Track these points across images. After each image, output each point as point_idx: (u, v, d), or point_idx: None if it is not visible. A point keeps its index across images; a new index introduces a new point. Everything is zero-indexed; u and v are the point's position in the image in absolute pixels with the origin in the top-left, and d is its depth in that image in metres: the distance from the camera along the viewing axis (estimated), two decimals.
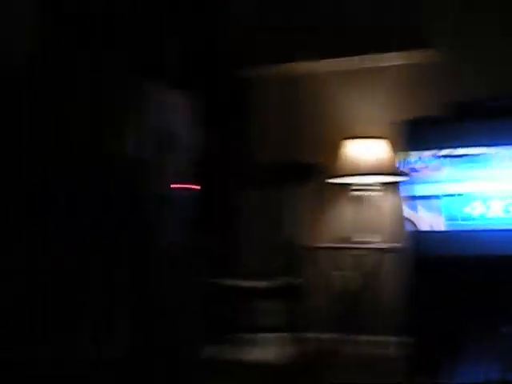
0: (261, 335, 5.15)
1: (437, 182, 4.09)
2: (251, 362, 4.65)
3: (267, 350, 5.02)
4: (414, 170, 4.13)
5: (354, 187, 4.68)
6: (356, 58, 4.79)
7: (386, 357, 4.59)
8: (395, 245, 4.49)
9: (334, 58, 4.84)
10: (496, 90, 4.26)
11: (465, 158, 4.04)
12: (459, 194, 4.04)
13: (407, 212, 4.12)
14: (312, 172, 4.57)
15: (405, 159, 4.14)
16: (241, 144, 5.23)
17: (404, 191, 4.16)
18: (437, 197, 4.08)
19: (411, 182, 4.12)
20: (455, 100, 4.16)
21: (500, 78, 4.51)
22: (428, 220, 4.08)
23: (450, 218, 4.04)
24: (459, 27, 4.66)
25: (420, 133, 4.13)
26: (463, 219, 4.02)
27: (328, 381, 4.07)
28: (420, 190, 4.11)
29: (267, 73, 5.20)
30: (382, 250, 4.44)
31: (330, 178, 4.74)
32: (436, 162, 4.10)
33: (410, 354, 4.12)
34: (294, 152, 5.00)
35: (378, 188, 4.81)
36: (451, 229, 4.03)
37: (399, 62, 4.83)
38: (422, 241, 4.05)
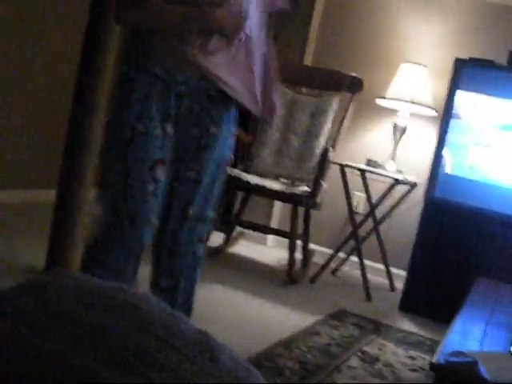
0: (271, 236, 5.35)
1: (471, 129, 4.15)
2: (256, 260, 4.86)
3: (274, 251, 5.23)
4: (455, 110, 4.18)
5: (398, 114, 4.72)
6: None
7: (381, 285, 4.76)
8: (418, 181, 4.58)
9: None
10: None
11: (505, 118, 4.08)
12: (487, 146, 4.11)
13: (436, 151, 4.20)
14: (360, 87, 4.64)
15: (453, 97, 4.19)
16: (298, 43, 5.28)
17: (442, 130, 4.22)
18: (466, 145, 4.16)
19: (450, 122, 4.19)
20: None
21: None
22: (451, 164, 4.17)
23: (471, 168, 4.13)
24: None
25: (474, 74, 4.16)
26: (483, 172, 4.11)
27: (321, 295, 4.26)
28: (454, 133, 4.18)
29: None
30: (405, 183, 4.53)
31: (379, 98, 4.81)
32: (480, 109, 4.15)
33: (403, 286, 4.30)
34: (347, 65, 5.04)
35: (422, 120, 4.86)
36: (473, 178, 4.13)
37: None
38: (442, 182, 4.16)
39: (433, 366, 1.76)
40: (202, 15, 2.29)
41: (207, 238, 2.56)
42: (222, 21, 2.29)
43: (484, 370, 1.66)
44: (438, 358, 1.78)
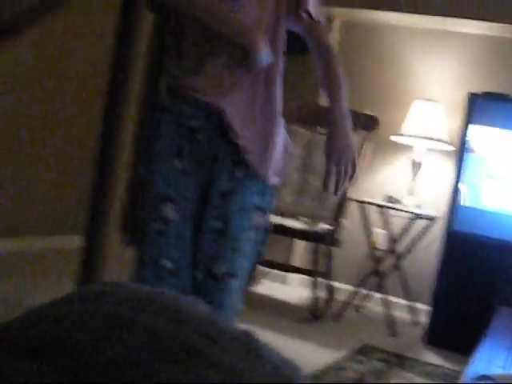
0: (293, 275, 5.38)
1: (486, 162, 4.21)
2: (278, 299, 4.89)
3: (297, 290, 5.26)
4: (471, 143, 4.24)
5: (414, 149, 4.78)
6: (440, 18, 4.83)
7: (405, 320, 4.77)
8: (437, 214, 4.62)
9: (419, 14, 4.87)
10: None
11: None
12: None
13: (454, 185, 4.25)
14: (376, 125, 4.70)
15: (467, 132, 4.25)
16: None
17: (459, 163, 4.28)
18: (482, 178, 4.21)
19: (466, 155, 4.24)
20: None
21: None
22: (468, 197, 4.22)
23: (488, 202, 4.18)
24: None
25: (487, 108, 4.23)
26: (500, 204, 4.15)
27: (345, 332, 4.27)
28: (470, 167, 4.23)
29: (347, 16, 5.28)
30: (425, 217, 4.57)
31: (393, 135, 4.88)
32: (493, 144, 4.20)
33: (427, 321, 4.31)
34: (361, 103, 5.11)
35: (437, 154, 4.92)
36: (490, 210, 4.17)
37: (481, 32, 4.87)
38: (461, 215, 4.20)
39: None
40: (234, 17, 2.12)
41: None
42: (250, 32, 2.12)
43: None
44: (463, 381, 1.82)
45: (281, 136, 2.25)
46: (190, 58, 2.18)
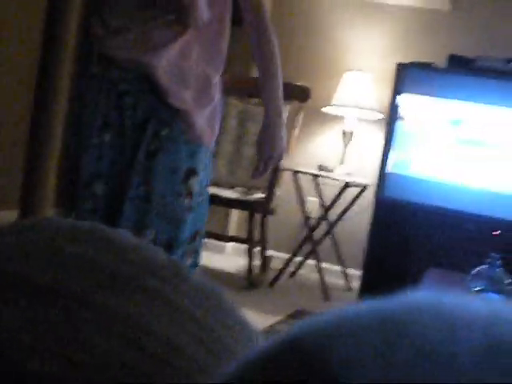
0: (228, 244, 5.43)
1: (415, 130, 4.31)
2: (214, 268, 4.94)
3: (232, 259, 5.31)
4: (400, 112, 4.33)
5: (345, 119, 4.86)
6: None
7: (338, 286, 4.87)
8: (369, 182, 4.71)
9: None
10: (499, 50, 4.43)
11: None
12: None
13: (383, 153, 4.35)
14: (307, 96, 4.75)
15: (396, 101, 4.33)
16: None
17: (388, 131, 4.37)
18: (411, 146, 4.32)
19: (396, 124, 4.33)
20: (455, 53, 4.35)
21: (504, 39, 4.67)
22: (398, 164, 4.32)
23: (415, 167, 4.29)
24: None
25: (415, 77, 4.32)
26: (428, 170, 4.27)
27: (280, 298, 4.35)
28: (399, 135, 4.33)
29: None
30: (355, 185, 4.66)
31: (325, 106, 4.95)
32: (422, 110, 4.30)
33: (362, 284, 4.41)
34: (292, 74, 5.16)
35: (368, 124, 5.01)
36: (418, 176, 4.29)
37: (409, 3, 4.96)
38: (390, 183, 4.30)
39: None
40: None
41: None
42: None
43: None
44: None
45: (216, 98, 2.18)
46: (116, 16, 2.06)
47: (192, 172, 2.11)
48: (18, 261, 0.49)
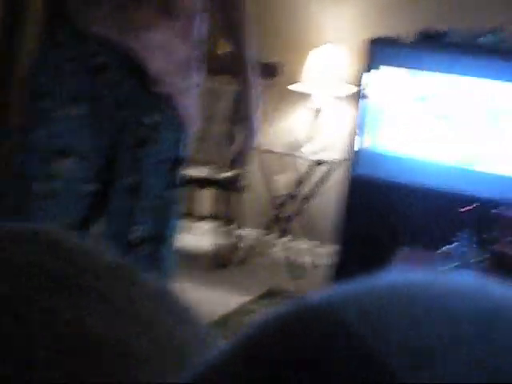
0: (197, 224, 5.40)
1: (385, 105, 4.30)
2: (183, 249, 4.90)
3: (201, 238, 5.28)
4: (370, 87, 4.31)
5: (314, 96, 4.83)
6: None
7: (309, 264, 4.87)
8: (339, 159, 4.69)
9: None
10: (470, 21, 4.42)
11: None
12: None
13: (354, 129, 4.33)
14: (276, 73, 4.72)
15: (366, 76, 4.31)
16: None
17: (360, 107, 4.34)
18: (381, 121, 4.30)
19: (366, 100, 4.31)
20: (426, 26, 4.33)
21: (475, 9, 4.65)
22: (369, 140, 4.31)
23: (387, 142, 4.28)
24: None
25: (385, 52, 4.30)
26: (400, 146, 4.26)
27: (251, 277, 4.33)
28: (370, 111, 4.31)
29: None
30: (325, 162, 4.64)
31: (293, 83, 4.91)
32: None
33: (333, 262, 4.41)
34: (259, 51, 5.11)
35: (337, 100, 4.98)
36: (390, 153, 4.27)
37: None
38: (361, 160, 4.28)
39: None
40: None
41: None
42: None
43: None
44: None
45: (200, 82, 2.13)
46: None
47: (179, 162, 2.05)
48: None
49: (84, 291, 0.47)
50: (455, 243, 2.63)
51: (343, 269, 4.35)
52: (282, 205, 4.71)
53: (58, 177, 1.90)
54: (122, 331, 0.48)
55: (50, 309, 0.46)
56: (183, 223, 5.30)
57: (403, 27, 4.70)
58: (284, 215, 4.71)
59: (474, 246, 2.72)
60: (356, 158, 4.33)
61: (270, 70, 4.73)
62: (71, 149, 1.92)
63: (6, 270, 0.48)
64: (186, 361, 0.51)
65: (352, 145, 4.36)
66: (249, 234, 5.14)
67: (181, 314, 0.54)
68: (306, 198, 4.80)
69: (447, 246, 2.45)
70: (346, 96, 4.88)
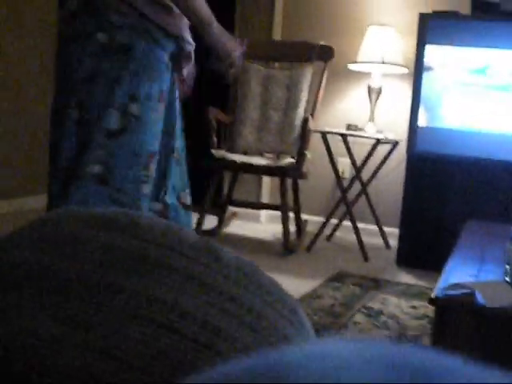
0: (263, 212, 5.41)
1: (443, 80, 4.22)
2: (251, 237, 4.92)
3: (268, 226, 5.29)
4: (426, 64, 4.25)
5: (371, 76, 4.79)
6: None
7: (376, 245, 4.83)
8: (398, 138, 4.64)
9: None
10: None
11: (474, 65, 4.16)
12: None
13: (412, 107, 4.28)
14: (331, 55, 4.69)
15: (421, 52, 4.25)
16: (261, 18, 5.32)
17: (415, 85, 4.29)
18: (440, 97, 4.23)
19: (423, 76, 4.25)
20: None
21: None
22: (429, 117, 4.25)
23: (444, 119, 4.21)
24: None
25: (439, 27, 4.23)
26: (460, 120, 4.19)
27: (319, 261, 4.32)
28: (427, 87, 4.25)
29: None
30: (386, 141, 4.60)
31: (350, 63, 4.88)
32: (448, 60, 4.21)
33: (398, 242, 4.37)
34: (315, 34, 5.10)
35: (395, 79, 4.93)
36: (450, 127, 4.21)
37: None
38: (421, 136, 4.23)
39: (432, 301, 1.84)
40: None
41: None
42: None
43: (480, 297, 1.74)
44: (436, 292, 1.85)
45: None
46: None
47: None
48: (46, 254, 0.48)
49: (172, 270, 0.48)
50: None
51: (410, 248, 4.31)
52: (345, 187, 4.69)
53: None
54: (211, 310, 0.48)
55: (134, 290, 0.46)
56: (248, 212, 5.34)
57: (456, 0, 4.64)
58: (347, 198, 4.68)
59: None
60: (416, 135, 4.28)
61: (325, 53, 4.72)
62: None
63: (87, 255, 0.48)
64: (273, 342, 0.51)
65: (411, 122, 4.31)
66: (313, 219, 5.14)
67: (268, 292, 0.54)
68: (369, 180, 4.77)
69: None
70: (403, 73, 4.84)
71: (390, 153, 4.71)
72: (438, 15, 4.29)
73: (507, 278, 2.04)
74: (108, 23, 1.94)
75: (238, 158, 4.51)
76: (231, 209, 5.17)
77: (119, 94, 1.97)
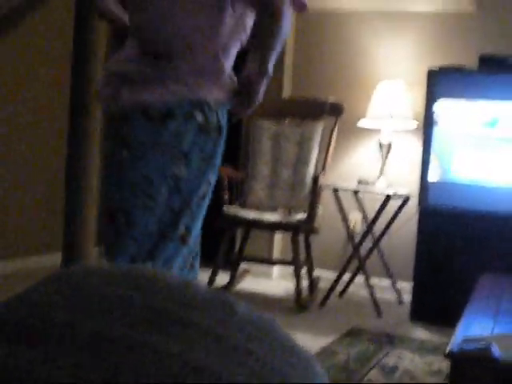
0: (275, 268, 5.39)
1: (452, 134, 4.24)
2: (263, 293, 4.89)
3: (280, 282, 5.27)
4: (436, 118, 4.27)
5: (382, 131, 4.81)
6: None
7: (389, 300, 4.79)
8: (409, 192, 4.63)
9: None
10: None
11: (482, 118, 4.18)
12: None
13: (422, 161, 4.29)
14: (341, 112, 4.72)
15: (431, 107, 4.28)
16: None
17: (426, 139, 4.31)
18: (450, 151, 4.25)
19: (432, 130, 4.27)
20: (486, 53, 4.30)
21: None
22: (439, 171, 4.26)
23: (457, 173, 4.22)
24: None
25: (447, 82, 4.27)
26: (471, 174, 4.19)
27: (332, 317, 4.28)
28: (437, 141, 4.27)
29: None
30: (397, 196, 4.59)
31: (359, 119, 4.91)
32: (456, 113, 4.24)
33: (411, 297, 4.34)
34: (326, 90, 5.15)
35: (404, 134, 4.96)
36: (461, 181, 4.21)
37: (434, 9, 4.92)
38: (432, 190, 4.23)
39: (448, 355, 1.82)
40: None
41: None
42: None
43: (496, 350, 1.72)
44: (452, 347, 1.83)
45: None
46: None
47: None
48: (61, 310, 0.48)
49: (185, 325, 0.48)
50: None
51: (424, 303, 4.28)
52: (357, 242, 4.67)
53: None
54: (224, 363, 0.48)
55: (149, 345, 0.45)
56: (261, 268, 5.32)
57: (464, 56, 4.69)
58: (360, 253, 4.66)
59: None
60: (427, 189, 4.28)
61: (336, 109, 4.75)
62: None
63: (102, 309, 0.48)
64: None
65: (422, 177, 4.32)
66: (326, 274, 5.11)
67: (285, 347, 0.54)
68: (381, 234, 4.75)
69: None
70: (413, 128, 4.86)
71: (401, 207, 4.71)
72: (445, 70, 4.33)
73: None
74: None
75: (250, 214, 4.52)
76: (243, 266, 5.16)
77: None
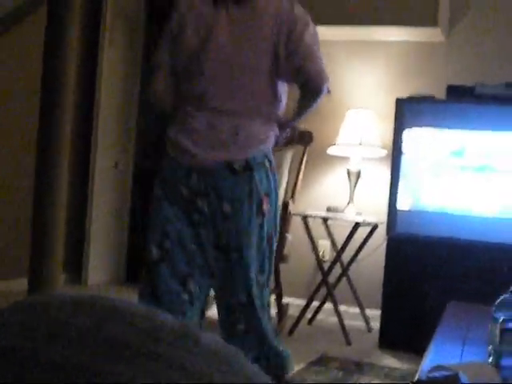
0: None
1: (420, 163, 4.28)
2: None
3: None
4: (404, 146, 4.30)
5: (351, 159, 4.83)
6: (363, 28, 4.91)
7: (358, 328, 4.79)
8: (378, 220, 4.65)
9: (339, 25, 4.94)
10: (496, 77, 4.42)
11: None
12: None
13: (390, 189, 4.31)
14: (310, 140, 4.73)
15: (399, 135, 4.31)
16: None
17: (394, 168, 4.33)
18: (418, 179, 4.27)
19: (401, 159, 4.30)
20: (454, 83, 4.35)
21: (500, 65, 4.67)
22: (407, 199, 4.28)
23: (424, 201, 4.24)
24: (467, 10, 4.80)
25: (415, 111, 4.31)
26: (438, 202, 4.22)
27: (301, 345, 4.26)
28: (405, 170, 4.29)
29: None
30: (366, 224, 4.61)
31: (329, 147, 4.92)
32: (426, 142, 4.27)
33: (380, 325, 4.34)
34: None
35: (373, 162, 4.98)
36: (429, 209, 4.23)
37: (405, 39, 4.97)
38: (400, 219, 4.25)
39: (416, 383, 1.81)
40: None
41: None
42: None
43: (464, 379, 1.71)
44: (420, 374, 1.83)
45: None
46: None
47: None
48: (25, 338, 0.48)
49: (150, 356, 0.47)
50: (508, 294, 2.57)
51: (392, 330, 4.28)
52: (326, 270, 4.67)
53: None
54: None
55: (113, 374, 0.45)
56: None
57: (432, 85, 4.73)
58: (328, 280, 4.66)
59: None
60: (396, 217, 4.30)
61: (305, 138, 4.76)
62: None
63: (66, 338, 0.48)
64: None
65: (391, 205, 4.34)
66: (294, 302, 5.09)
67: (248, 378, 0.53)
68: (349, 262, 4.76)
69: (501, 298, 2.39)
70: (382, 156, 4.88)
71: (369, 235, 4.72)
72: (414, 99, 4.37)
73: (490, 359, 2.02)
74: None
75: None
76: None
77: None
